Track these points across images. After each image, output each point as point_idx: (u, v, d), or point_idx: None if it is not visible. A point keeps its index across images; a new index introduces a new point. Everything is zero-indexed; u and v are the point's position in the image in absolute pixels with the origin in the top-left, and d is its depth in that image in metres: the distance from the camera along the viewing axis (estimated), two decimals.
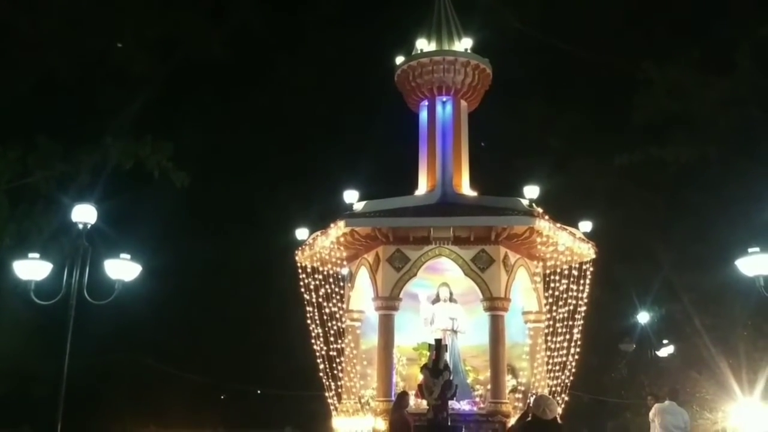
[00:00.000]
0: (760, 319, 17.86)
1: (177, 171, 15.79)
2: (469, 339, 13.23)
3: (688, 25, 20.78)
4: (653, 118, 19.31)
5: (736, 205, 17.59)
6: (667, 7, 21.52)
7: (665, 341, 22.50)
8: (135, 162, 15.46)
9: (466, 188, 14.25)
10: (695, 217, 20.05)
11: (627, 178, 21.02)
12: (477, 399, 12.62)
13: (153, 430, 22.63)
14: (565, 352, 13.03)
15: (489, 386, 12.41)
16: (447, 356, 12.26)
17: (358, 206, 12.77)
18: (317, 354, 13.15)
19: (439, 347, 10.52)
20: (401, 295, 12.59)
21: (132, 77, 18.22)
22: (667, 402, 11.45)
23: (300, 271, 13.66)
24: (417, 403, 11.45)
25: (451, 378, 10.36)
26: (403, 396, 11.00)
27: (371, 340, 13.31)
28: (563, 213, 13.42)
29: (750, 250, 10.12)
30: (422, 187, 14.34)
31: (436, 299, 13.29)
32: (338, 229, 12.63)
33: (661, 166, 19.48)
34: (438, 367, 10.17)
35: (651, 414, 11.54)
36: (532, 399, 9.13)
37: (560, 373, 13.02)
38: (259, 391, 27.23)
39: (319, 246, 13.31)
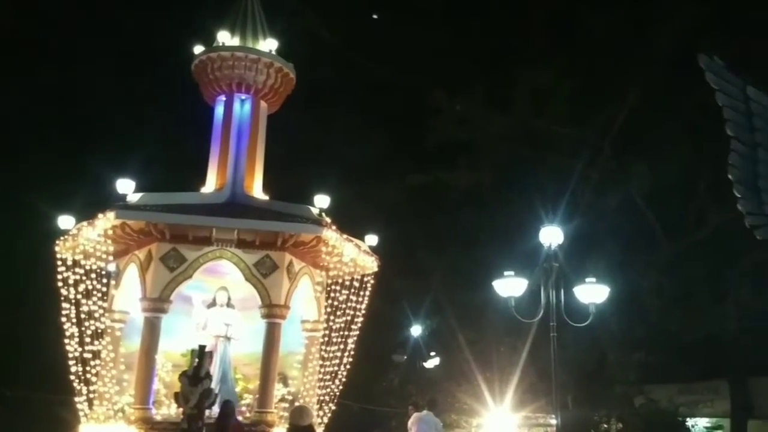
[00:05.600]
0: (514, 337, 19.61)
1: None
2: (244, 346, 12.86)
3: (482, 60, 22.49)
4: (443, 144, 20.68)
5: (503, 231, 19.33)
6: (465, 41, 23.16)
7: (432, 353, 24.02)
8: None
9: (257, 191, 13.89)
10: (467, 238, 21.65)
11: (415, 197, 22.16)
12: (243, 408, 12.28)
13: None
14: (337, 361, 13.21)
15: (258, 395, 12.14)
16: (216, 363, 11.84)
17: (133, 198, 11.78)
18: (70, 355, 11.89)
19: (202, 354, 10.02)
20: (172, 297, 11.86)
21: None
22: (424, 411, 12.04)
23: (60, 263, 12.29)
24: (177, 412, 10.80)
25: (212, 386, 9.92)
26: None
27: (134, 344, 12.33)
28: (351, 225, 13.63)
29: (506, 272, 11.02)
30: (210, 185, 13.72)
31: (213, 303, 12.74)
32: (107, 220, 11.57)
33: (446, 188, 20.90)
34: (198, 375, 9.67)
35: (409, 423, 12.06)
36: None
37: (330, 383, 13.16)
38: None
39: (83, 237, 12.11)
